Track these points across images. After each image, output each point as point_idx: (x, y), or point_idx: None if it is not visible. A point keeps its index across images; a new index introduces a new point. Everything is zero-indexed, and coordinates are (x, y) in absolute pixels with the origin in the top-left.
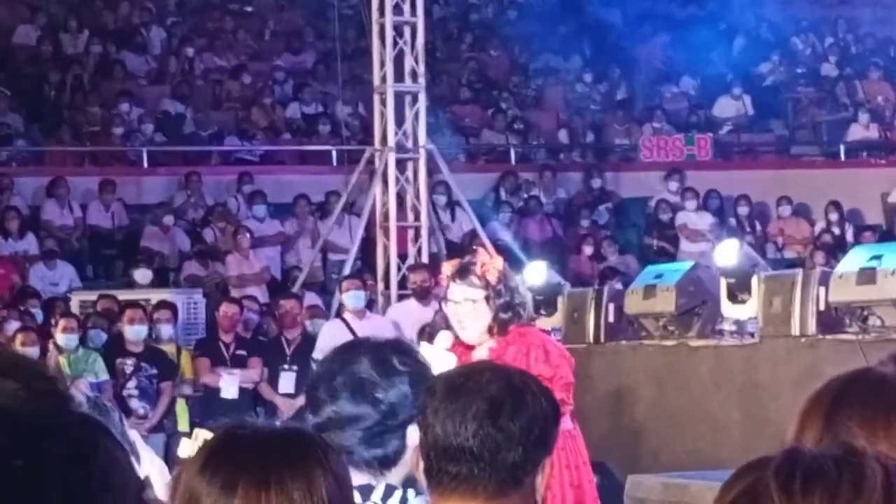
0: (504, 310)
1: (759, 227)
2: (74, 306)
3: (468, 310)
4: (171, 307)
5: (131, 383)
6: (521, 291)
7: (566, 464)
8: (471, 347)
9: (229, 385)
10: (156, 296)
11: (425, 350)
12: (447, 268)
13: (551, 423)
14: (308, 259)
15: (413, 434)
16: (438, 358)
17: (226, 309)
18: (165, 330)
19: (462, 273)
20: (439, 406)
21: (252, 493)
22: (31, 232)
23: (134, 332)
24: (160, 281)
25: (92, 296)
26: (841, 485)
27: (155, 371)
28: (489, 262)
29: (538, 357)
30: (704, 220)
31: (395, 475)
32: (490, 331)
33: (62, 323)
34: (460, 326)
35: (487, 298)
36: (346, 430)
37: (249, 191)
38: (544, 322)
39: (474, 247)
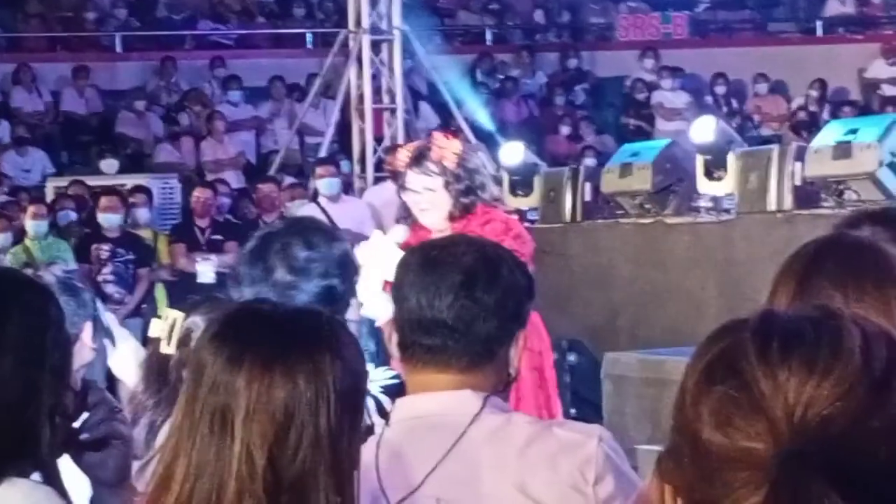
0: (464, 194)
1: (735, 105)
2: (49, 193)
3: (427, 198)
4: (147, 192)
5: (107, 269)
6: (482, 172)
7: (528, 345)
8: (429, 232)
9: (206, 270)
10: (131, 181)
11: (378, 241)
12: (403, 155)
13: (525, 295)
14: (284, 142)
15: (350, 314)
16: (390, 251)
17: (199, 193)
18: (142, 214)
19: (418, 160)
20: (414, 278)
21: (256, 370)
22: (3, 119)
23: (108, 220)
24: (135, 166)
25: (66, 182)
26: (820, 347)
27: (131, 256)
28: (445, 147)
29: (496, 229)
30: (680, 99)
31: None
32: (451, 217)
33: (31, 209)
34: (420, 214)
35: (447, 185)
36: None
37: (223, 75)
38: (521, 202)
39: (430, 131)
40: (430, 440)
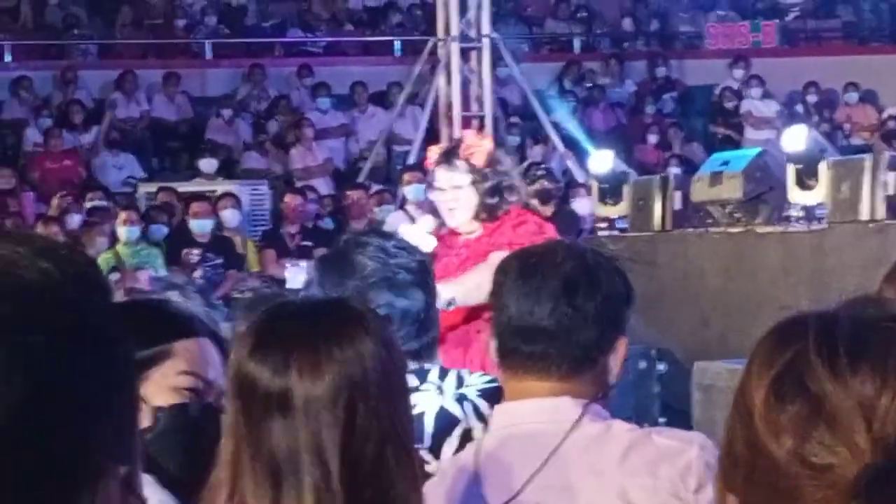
0: (490, 194)
1: (826, 114)
2: (139, 197)
3: (454, 196)
4: (235, 198)
5: (197, 273)
6: (511, 175)
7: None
8: (458, 234)
9: (295, 276)
10: (220, 187)
11: (406, 232)
12: (433, 153)
13: (625, 302)
14: (372, 150)
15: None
16: (418, 241)
17: (289, 199)
18: (232, 216)
19: (447, 157)
20: (513, 285)
21: (305, 366)
22: (95, 125)
23: (199, 226)
24: (225, 173)
25: (155, 187)
26: (890, 353)
27: (221, 260)
28: (475, 145)
29: (529, 230)
30: (770, 108)
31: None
32: (477, 217)
33: (123, 215)
34: (448, 214)
35: (473, 183)
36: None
37: (311, 82)
38: (609, 210)
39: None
40: (530, 447)
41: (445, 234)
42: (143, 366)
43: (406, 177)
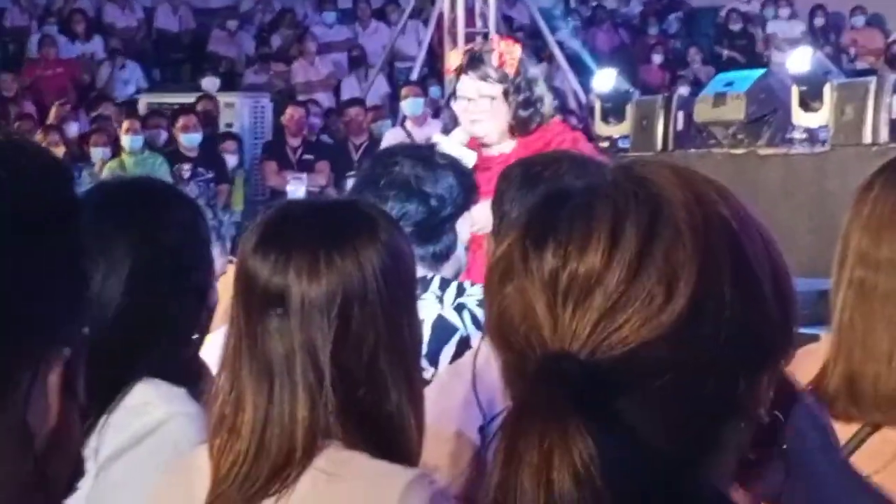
0: (524, 106)
1: (832, 38)
2: (142, 108)
3: (484, 107)
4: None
5: (189, 188)
6: (541, 85)
7: None
8: (486, 146)
9: (296, 188)
10: (222, 99)
11: (443, 144)
12: (454, 58)
13: None
14: (376, 67)
15: (463, 227)
16: (456, 152)
17: (292, 112)
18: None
19: (475, 64)
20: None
21: (304, 268)
22: (97, 34)
23: (188, 140)
24: (226, 85)
25: (159, 98)
26: (571, 231)
27: (212, 174)
28: (507, 51)
29: (564, 143)
30: (795, 29)
31: (448, 269)
32: (511, 131)
33: (126, 124)
34: (474, 125)
35: (506, 93)
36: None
37: None
38: (612, 130)
39: (487, 33)
40: None
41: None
42: None
43: (404, 91)
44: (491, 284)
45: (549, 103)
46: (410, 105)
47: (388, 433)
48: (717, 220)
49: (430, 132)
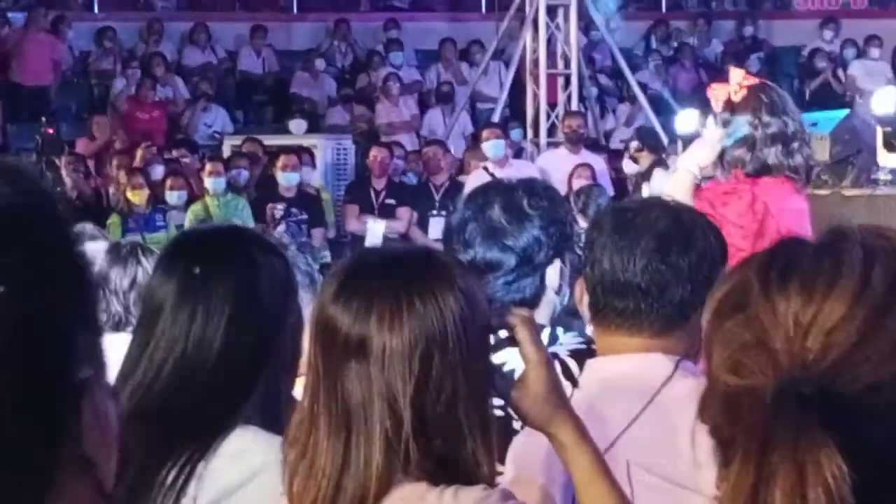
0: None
1: None
2: (226, 150)
3: None
4: (310, 153)
5: (280, 227)
6: None
7: None
8: None
9: (374, 232)
10: (306, 141)
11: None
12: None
13: (719, 261)
14: (459, 106)
15: (552, 275)
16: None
17: (376, 153)
18: (309, 173)
19: None
20: (607, 241)
21: (385, 316)
22: (178, 77)
23: (287, 179)
24: (309, 127)
25: (241, 140)
26: (819, 271)
27: (305, 216)
28: None
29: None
30: (879, 68)
31: (540, 315)
32: None
33: (209, 166)
34: None
35: None
36: (485, 277)
37: (397, 37)
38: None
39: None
40: (622, 401)
41: None
42: None
43: (485, 133)
44: (720, 313)
45: None
46: (492, 147)
47: (461, 480)
48: None
49: (512, 172)
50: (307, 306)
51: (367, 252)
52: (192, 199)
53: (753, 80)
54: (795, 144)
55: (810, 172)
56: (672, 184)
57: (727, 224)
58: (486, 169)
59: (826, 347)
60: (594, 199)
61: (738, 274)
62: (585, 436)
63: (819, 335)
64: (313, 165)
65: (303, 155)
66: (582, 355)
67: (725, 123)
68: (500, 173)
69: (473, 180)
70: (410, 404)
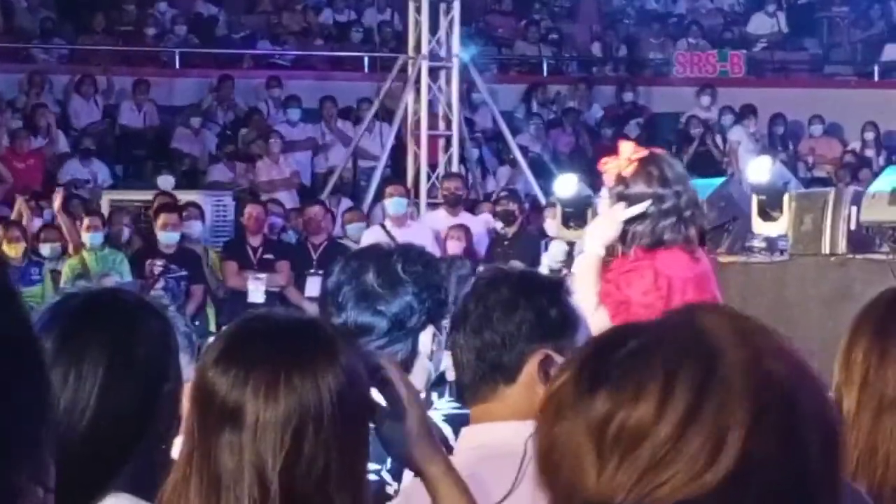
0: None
1: (790, 146)
2: (105, 205)
3: None
4: (199, 208)
5: (159, 284)
6: None
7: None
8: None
9: (256, 289)
10: (185, 197)
11: None
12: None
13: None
14: (338, 164)
15: (425, 340)
16: None
17: (251, 210)
18: (195, 228)
19: None
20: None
21: (262, 387)
22: (60, 131)
23: (167, 238)
24: (189, 183)
25: (122, 195)
26: (624, 386)
27: (184, 272)
28: None
29: None
30: (754, 137)
31: (414, 380)
32: None
33: (87, 221)
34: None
35: None
36: (358, 340)
37: (279, 95)
38: (573, 234)
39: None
40: (499, 468)
41: None
42: None
43: (389, 189)
44: (544, 418)
45: None
46: (394, 204)
47: None
48: (774, 380)
49: (409, 233)
50: (186, 367)
51: (253, 318)
52: (65, 252)
53: (642, 153)
54: (688, 213)
55: (704, 236)
56: (580, 267)
57: (633, 305)
58: (383, 227)
59: (630, 465)
60: (455, 270)
61: (561, 375)
62: (454, 469)
63: (623, 450)
64: (203, 219)
65: (191, 209)
66: (457, 421)
67: (620, 198)
68: (398, 232)
69: (369, 237)
70: (279, 477)
